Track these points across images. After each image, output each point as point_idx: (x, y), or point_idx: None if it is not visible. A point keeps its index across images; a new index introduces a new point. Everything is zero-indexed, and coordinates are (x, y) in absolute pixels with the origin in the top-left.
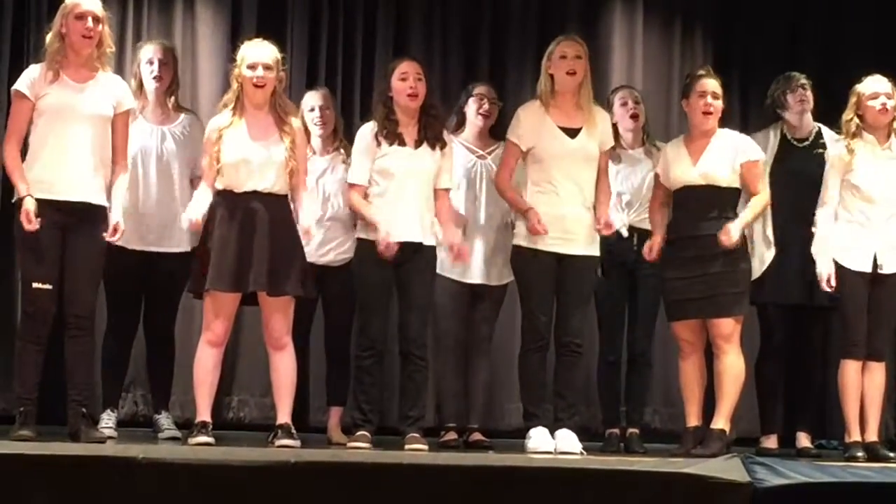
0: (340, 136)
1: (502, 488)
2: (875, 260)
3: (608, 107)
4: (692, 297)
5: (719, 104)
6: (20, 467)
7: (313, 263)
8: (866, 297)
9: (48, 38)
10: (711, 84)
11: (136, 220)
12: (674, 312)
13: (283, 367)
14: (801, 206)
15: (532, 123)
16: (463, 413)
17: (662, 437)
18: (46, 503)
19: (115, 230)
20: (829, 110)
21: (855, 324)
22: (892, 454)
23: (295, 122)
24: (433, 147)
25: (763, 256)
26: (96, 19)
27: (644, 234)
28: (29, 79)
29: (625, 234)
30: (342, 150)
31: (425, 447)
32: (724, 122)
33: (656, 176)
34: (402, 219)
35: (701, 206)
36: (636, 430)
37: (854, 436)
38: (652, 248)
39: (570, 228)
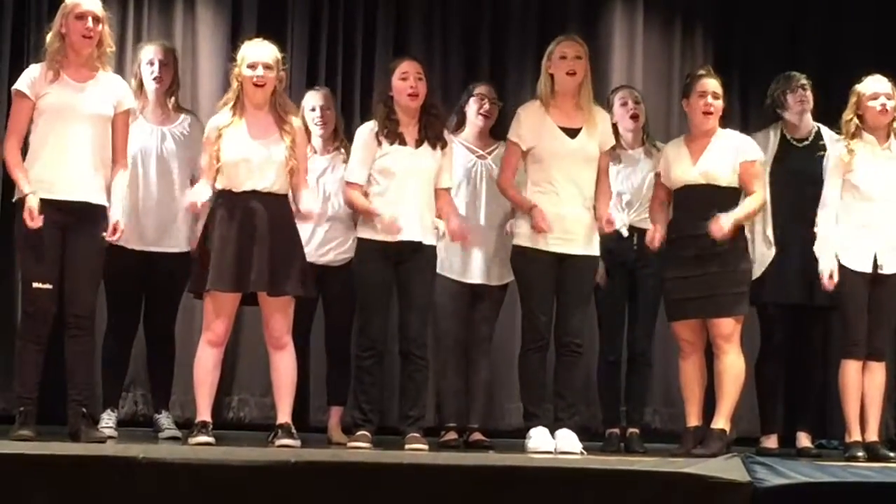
0: (341, 136)
1: (502, 488)
2: (875, 260)
3: (608, 107)
4: (692, 296)
5: (720, 104)
6: (20, 467)
7: (313, 263)
8: (867, 297)
9: (48, 37)
10: (712, 84)
11: (137, 220)
12: (674, 312)
13: (284, 367)
14: (801, 206)
15: (532, 123)
16: (463, 413)
17: (663, 436)
18: (46, 503)
19: (115, 229)
20: (829, 110)
21: (855, 324)
22: (892, 454)
23: (295, 121)
24: (434, 146)
25: (763, 256)
26: (96, 19)
27: (644, 234)
28: (29, 78)
29: (625, 233)
30: (342, 150)
31: (425, 447)
32: (725, 121)
33: (657, 175)
34: (402, 218)
35: (701, 206)
36: (636, 430)
37: (854, 435)
38: (654, 238)
39: (570, 228)
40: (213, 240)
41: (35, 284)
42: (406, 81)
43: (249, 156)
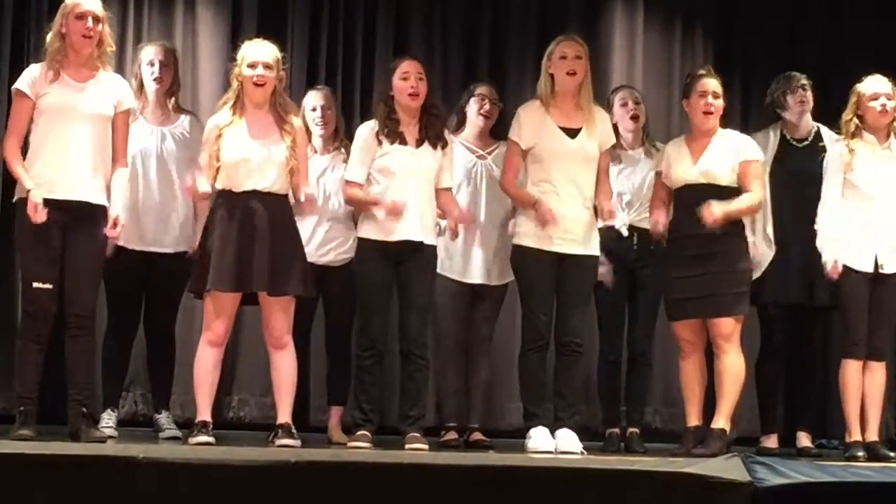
0: (341, 136)
1: (503, 488)
2: (876, 260)
3: (608, 107)
4: (692, 296)
5: (720, 104)
6: (20, 467)
7: (313, 263)
8: (867, 296)
9: (48, 37)
10: (712, 84)
11: (137, 220)
12: (674, 312)
13: (284, 367)
14: (802, 206)
15: (532, 123)
16: (463, 413)
17: (663, 436)
18: (47, 502)
19: (115, 224)
20: (829, 110)
21: (856, 323)
22: (892, 454)
23: (295, 121)
24: (434, 146)
25: (763, 256)
26: (96, 19)
27: (644, 234)
28: (29, 78)
29: (625, 233)
30: (343, 150)
31: (426, 447)
32: (725, 121)
33: (658, 174)
34: (402, 217)
35: (701, 205)
36: (636, 430)
37: (854, 435)
38: (657, 222)
39: (569, 228)
40: (213, 240)
41: (35, 284)
42: (407, 81)
43: (249, 156)
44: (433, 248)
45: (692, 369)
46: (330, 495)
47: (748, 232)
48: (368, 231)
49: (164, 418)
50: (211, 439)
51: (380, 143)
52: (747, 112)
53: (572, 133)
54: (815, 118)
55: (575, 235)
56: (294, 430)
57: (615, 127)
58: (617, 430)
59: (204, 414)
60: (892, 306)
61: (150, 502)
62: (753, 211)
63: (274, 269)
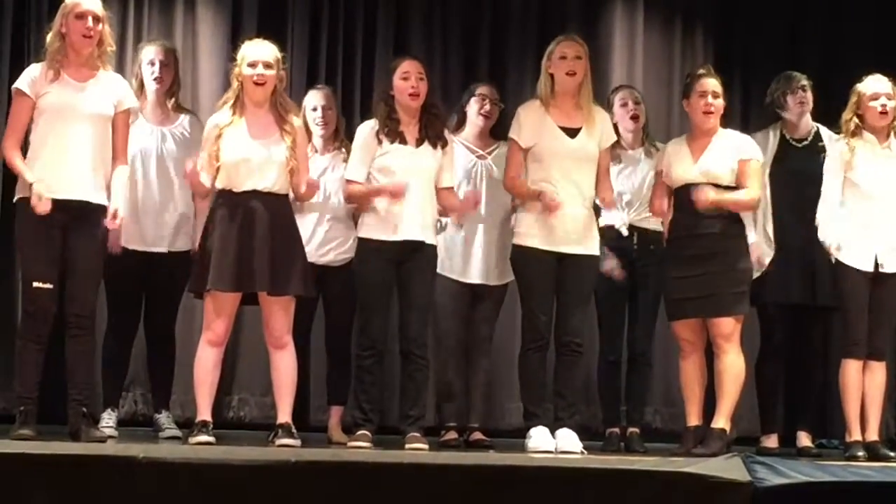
0: (342, 136)
1: (503, 488)
2: (876, 259)
3: (608, 107)
4: (692, 296)
5: (720, 103)
6: (20, 466)
7: (314, 263)
8: (867, 296)
9: (48, 37)
10: (712, 83)
11: (137, 220)
12: (674, 312)
13: (284, 367)
14: (801, 206)
15: (532, 122)
16: (463, 412)
17: (663, 436)
18: (47, 502)
19: (115, 215)
20: (829, 110)
21: (856, 323)
22: (892, 453)
23: (296, 121)
24: (434, 146)
25: (765, 256)
26: (96, 19)
27: (644, 234)
28: (30, 77)
29: (625, 233)
30: (343, 150)
31: (426, 446)
32: (725, 121)
33: (658, 174)
34: (402, 217)
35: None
36: (636, 430)
37: (855, 435)
38: (660, 206)
39: (569, 228)
40: (213, 239)
41: (35, 284)
42: (408, 81)
43: (249, 156)
44: (433, 248)
45: (692, 369)
46: (330, 495)
47: (751, 232)
48: (369, 231)
49: (164, 418)
50: (211, 439)
51: (380, 142)
52: (747, 112)
53: (572, 133)
54: (815, 118)
55: (575, 235)
56: (294, 430)
57: (615, 127)
58: (617, 430)
59: (204, 414)
60: (893, 306)
61: (150, 502)
62: (747, 207)
63: (274, 268)
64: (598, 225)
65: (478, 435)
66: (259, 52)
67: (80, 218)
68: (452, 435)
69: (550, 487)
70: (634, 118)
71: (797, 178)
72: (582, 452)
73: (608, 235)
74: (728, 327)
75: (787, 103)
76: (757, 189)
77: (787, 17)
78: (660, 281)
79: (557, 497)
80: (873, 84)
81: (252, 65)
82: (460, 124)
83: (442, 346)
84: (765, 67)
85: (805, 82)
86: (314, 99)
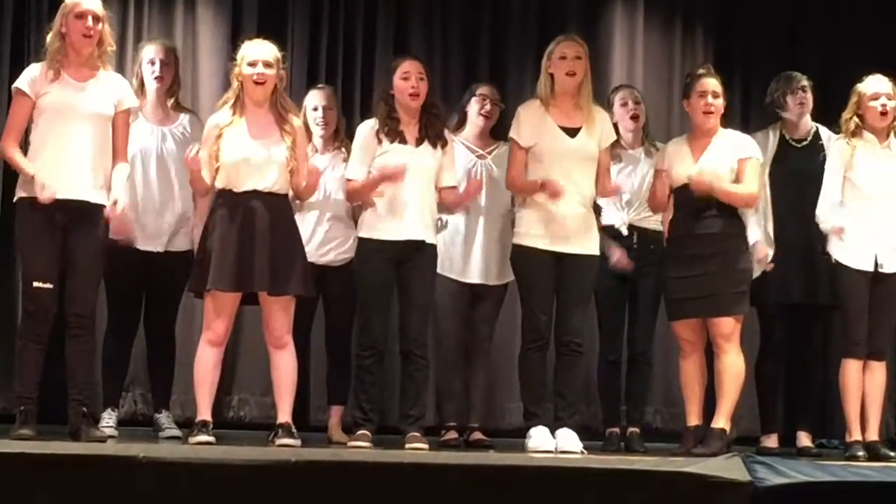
0: (342, 136)
1: (503, 487)
2: (876, 259)
3: (608, 106)
4: (692, 296)
5: (720, 103)
6: (21, 466)
7: (314, 263)
8: (867, 296)
9: (48, 37)
10: (712, 83)
11: (137, 219)
12: (674, 311)
13: (284, 366)
14: (801, 206)
15: (532, 122)
16: (463, 412)
17: (663, 436)
18: (47, 502)
19: (115, 204)
20: (829, 110)
21: (856, 323)
22: (892, 453)
23: (296, 121)
24: (434, 145)
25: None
26: (96, 18)
27: (644, 234)
28: (30, 77)
29: (625, 232)
30: (343, 149)
31: (426, 446)
32: (726, 120)
33: (657, 172)
34: (403, 216)
35: (701, 205)
36: (637, 430)
37: (855, 435)
38: (663, 196)
39: (569, 227)
40: (213, 239)
41: (35, 283)
42: (408, 81)
43: (249, 156)
44: (433, 248)
45: (692, 369)
46: (330, 495)
47: (752, 231)
48: (369, 231)
49: (164, 418)
50: (211, 439)
51: (380, 141)
52: (747, 112)
53: (572, 132)
54: (815, 118)
55: (574, 235)
56: (294, 430)
57: (615, 126)
58: (617, 430)
59: (204, 413)
60: (892, 306)
61: (150, 502)
62: (743, 202)
63: (274, 268)
64: (598, 225)
65: (478, 435)
66: (259, 52)
67: (80, 218)
68: (452, 435)
69: (550, 487)
70: (634, 118)
71: (797, 178)
72: (582, 452)
73: (608, 235)
74: (728, 327)
75: (787, 103)
76: (754, 186)
77: (787, 17)
78: (660, 281)
79: (557, 497)
80: (873, 84)
81: (252, 64)
82: (461, 124)
83: (442, 345)
84: (765, 67)
85: (805, 82)
86: (315, 99)
